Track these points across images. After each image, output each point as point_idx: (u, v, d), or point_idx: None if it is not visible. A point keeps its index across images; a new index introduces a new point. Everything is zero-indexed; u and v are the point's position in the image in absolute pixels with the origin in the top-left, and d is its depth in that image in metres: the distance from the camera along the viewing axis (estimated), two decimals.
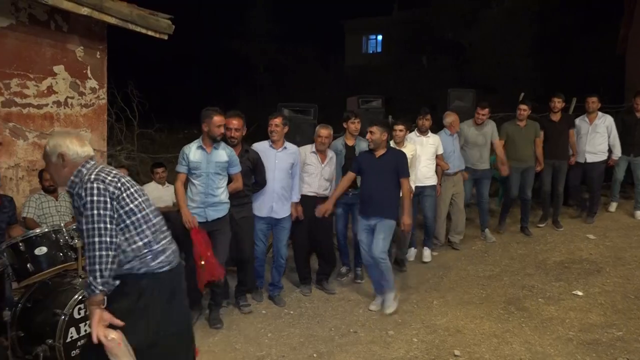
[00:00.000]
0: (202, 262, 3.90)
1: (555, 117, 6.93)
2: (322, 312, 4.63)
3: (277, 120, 4.71)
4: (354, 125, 5.24)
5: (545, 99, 7.23)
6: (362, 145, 5.19)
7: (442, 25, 18.42)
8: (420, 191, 5.72)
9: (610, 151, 7.03)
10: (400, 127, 5.40)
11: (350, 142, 5.30)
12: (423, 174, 5.72)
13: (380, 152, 4.65)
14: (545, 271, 5.61)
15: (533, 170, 6.80)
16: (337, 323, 4.36)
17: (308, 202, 4.92)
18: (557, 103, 6.89)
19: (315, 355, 3.76)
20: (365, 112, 7.56)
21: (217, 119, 4.11)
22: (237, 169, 4.30)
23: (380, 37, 28.34)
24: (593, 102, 6.96)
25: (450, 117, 6.27)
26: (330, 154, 5.09)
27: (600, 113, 7.03)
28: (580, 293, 4.92)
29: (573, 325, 4.25)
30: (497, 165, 6.74)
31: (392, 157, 4.67)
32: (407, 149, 5.44)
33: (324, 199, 4.97)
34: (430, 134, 5.89)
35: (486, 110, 6.52)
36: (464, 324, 4.31)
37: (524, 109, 6.70)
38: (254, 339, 4.02)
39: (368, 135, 4.70)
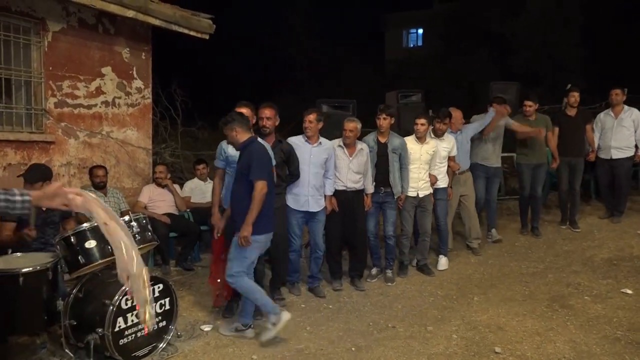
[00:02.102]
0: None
1: (572, 112, 6.64)
2: (360, 306, 4.64)
3: (311, 117, 4.76)
4: (379, 121, 5.12)
5: (595, 91, 6.96)
6: (395, 142, 5.14)
7: (484, 16, 17.96)
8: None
9: (637, 147, 6.66)
10: (422, 121, 5.28)
11: (382, 139, 5.18)
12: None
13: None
14: (592, 268, 5.44)
15: (545, 167, 6.53)
16: (375, 318, 4.37)
17: (339, 196, 4.94)
18: (575, 97, 6.58)
19: (353, 349, 3.78)
20: (405, 106, 7.53)
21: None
22: (273, 162, 4.36)
23: (421, 31, 27.94)
24: (617, 94, 6.62)
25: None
26: (360, 146, 5.00)
27: (626, 106, 6.68)
28: (629, 291, 4.74)
29: (621, 324, 4.11)
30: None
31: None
32: (429, 145, 5.34)
33: (355, 192, 4.97)
34: (445, 136, 5.54)
35: (530, 103, 6.37)
36: (506, 321, 4.24)
37: (529, 105, 6.42)
38: (293, 332, 4.07)
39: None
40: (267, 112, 4.44)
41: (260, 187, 3.74)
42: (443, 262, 5.67)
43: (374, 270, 5.39)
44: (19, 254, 3.67)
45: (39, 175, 4.19)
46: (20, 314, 3.33)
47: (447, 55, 19.99)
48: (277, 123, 4.57)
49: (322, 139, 4.88)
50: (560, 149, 6.56)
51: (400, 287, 5.15)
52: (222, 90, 14.05)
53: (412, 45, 28.41)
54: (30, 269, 3.31)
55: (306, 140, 4.80)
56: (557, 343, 3.83)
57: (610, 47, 15.99)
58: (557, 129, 6.58)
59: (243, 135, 3.91)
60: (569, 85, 8.30)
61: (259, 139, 4.02)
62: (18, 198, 2.00)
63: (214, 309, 4.50)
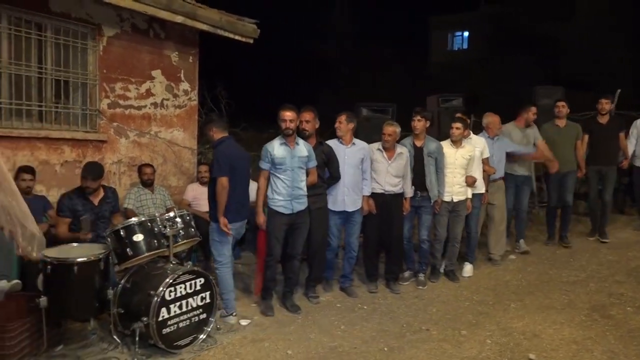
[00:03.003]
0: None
1: (603, 120, 6.44)
2: (395, 308, 4.69)
3: (342, 118, 4.92)
4: (414, 122, 5.15)
5: None
6: (431, 146, 5.15)
7: (532, 19, 17.58)
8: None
9: None
10: (458, 125, 5.25)
11: (418, 143, 5.21)
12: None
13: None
14: (637, 279, 5.30)
15: (574, 175, 6.34)
16: (409, 320, 4.41)
17: (377, 199, 5.00)
18: (605, 104, 6.38)
19: (386, 349, 3.84)
20: (445, 110, 7.50)
21: (283, 113, 4.39)
22: (314, 163, 4.54)
23: (466, 34, 27.58)
24: None
25: (487, 118, 5.83)
26: (400, 149, 5.04)
27: None
28: None
29: None
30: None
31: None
32: (465, 150, 5.30)
33: (393, 195, 5.02)
34: (465, 142, 5.38)
35: (563, 104, 6.24)
36: (542, 329, 4.20)
37: (562, 106, 6.25)
38: (327, 330, 4.18)
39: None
40: (306, 116, 4.59)
41: (220, 183, 4.07)
42: (468, 269, 5.63)
43: (406, 273, 5.43)
44: (74, 244, 3.93)
45: (95, 172, 4.48)
46: (74, 300, 3.56)
47: (493, 59, 19.67)
48: (316, 126, 4.72)
49: (355, 140, 4.98)
50: (591, 157, 6.40)
51: (435, 291, 5.16)
52: (266, 93, 14.34)
53: (457, 48, 28.08)
54: (84, 259, 3.55)
55: (340, 142, 4.91)
56: (595, 353, 3.77)
57: None
58: (586, 137, 6.41)
59: (218, 135, 4.31)
60: (619, 91, 8.08)
61: (231, 139, 4.37)
62: None
63: (252, 305, 4.65)
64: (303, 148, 4.45)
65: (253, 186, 6.37)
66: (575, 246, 6.44)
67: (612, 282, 5.26)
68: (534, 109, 6.11)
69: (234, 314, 4.30)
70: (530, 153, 6.00)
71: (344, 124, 4.90)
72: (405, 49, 21.75)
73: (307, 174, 4.53)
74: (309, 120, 4.62)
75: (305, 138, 4.60)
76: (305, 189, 4.48)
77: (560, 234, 6.56)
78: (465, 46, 27.64)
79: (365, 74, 20.67)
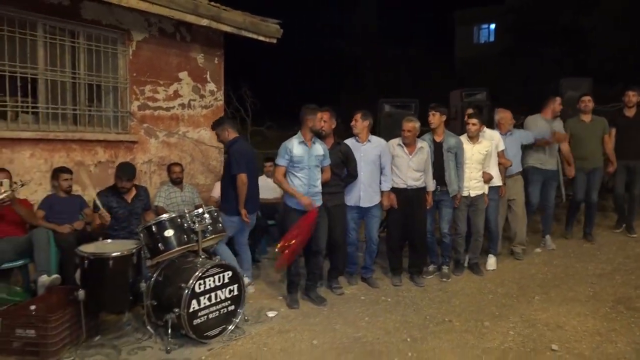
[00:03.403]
0: (293, 242, 4.31)
1: (630, 113, 6.31)
2: (418, 300, 4.77)
3: (357, 116, 5.04)
4: (429, 117, 5.21)
5: None
6: (451, 142, 5.19)
7: (559, 9, 17.25)
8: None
9: None
10: (474, 120, 5.27)
11: (437, 138, 5.26)
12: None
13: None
14: None
15: (600, 171, 6.23)
16: (432, 312, 4.48)
17: (399, 194, 5.08)
18: (632, 97, 6.25)
19: (408, 339, 3.92)
20: (469, 105, 7.49)
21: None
22: (328, 161, 4.68)
23: (492, 26, 27.19)
24: None
25: (499, 114, 5.80)
26: (420, 144, 5.09)
27: None
28: None
29: None
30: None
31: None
32: (482, 145, 5.31)
33: (415, 190, 5.08)
34: (482, 137, 5.37)
35: (589, 98, 6.18)
36: (566, 321, 4.21)
37: (587, 100, 6.15)
38: (352, 321, 4.28)
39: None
40: (323, 116, 4.72)
41: (241, 179, 4.57)
42: (492, 262, 5.64)
43: (430, 267, 5.50)
44: (108, 240, 4.14)
45: (129, 173, 4.70)
46: (110, 293, 3.76)
47: (519, 51, 19.36)
48: (333, 125, 4.86)
49: (371, 137, 5.07)
50: (618, 151, 6.30)
51: (459, 284, 5.21)
52: (290, 92, 14.51)
53: (483, 41, 27.71)
54: (119, 253, 3.74)
55: (356, 140, 5.02)
56: (619, 344, 3.77)
57: None
58: (613, 131, 6.32)
59: (231, 135, 4.81)
60: None
61: (242, 139, 4.93)
62: None
63: (279, 298, 4.79)
64: (319, 147, 4.59)
65: (268, 183, 6.56)
66: (602, 239, 6.38)
67: (639, 275, 5.22)
68: (559, 99, 6.08)
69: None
70: (549, 137, 5.91)
71: (359, 121, 5.00)
72: (430, 44, 21.62)
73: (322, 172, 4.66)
74: (326, 120, 4.74)
75: (323, 137, 4.71)
76: (320, 186, 4.60)
77: (584, 231, 6.51)
78: (491, 39, 27.25)
79: (389, 71, 20.63)
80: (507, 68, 18.68)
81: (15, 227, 4.52)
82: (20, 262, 4.42)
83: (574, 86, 7.44)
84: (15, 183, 4.39)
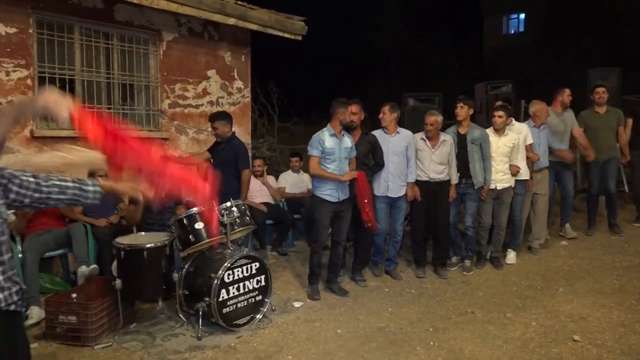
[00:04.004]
0: (366, 201, 4.67)
1: None
2: (442, 292, 4.84)
3: (385, 108, 5.14)
4: (456, 109, 5.26)
5: None
6: (475, 133, 5.22)
7: None
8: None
9: None
10: (500, 113, 5.27)
11: (462, 130, 5.29)
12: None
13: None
14: None
15: (616, 161, 6.14)
16: (455, 303, 4.55)
17: (422, 186, 5.16)
18: None
19: (431, 329, 4.01)
20: (495, 97, 7.46)
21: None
22: (354, 153, 4.80)
23: (522, 16, 26.64)
24: None
25: (534, 106, 5.75)
26: (443, 137, 5.16)
27: None
28: None
29: None
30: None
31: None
32: (508, 138, 5.30)
33: (438, 183, 5.15)
34: (508, 130, 5.37)
35: (603, 89, 6.09)
36: (590, 312, 4.23)
37: (602, 92, 6.04)
38: (375, 312, 4.39)
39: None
40: (353, 108, 4.81)
41: (247, 175, 5.12)
42: (512, 256, 5.65)
43: (454, 259, 5.55)
44: (142, 233, 4.37)
45: None
46: (145, 282, 3.98)
47: (550, 41, 18.97)
48: (362, 117, 4.96)
49: (399, 129, 5.17)
50: (637, 141, 6.20)
51: (483, 276, 5.26)
52: (316, 87, 14.62)
53: (512, 32, 27.19)
54: (152, 244, 3.95)
55: (385, 132, 5.12)
56: None
57: None
58: (630, 121, 6.22)
59: (229, 130, 5.12)
60: None
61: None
62: (90, 188, 1.99)
63: (305, 289, 4.93)
64: (348, 140, 4.71)
65: (294, 178, 6.71)
66: (630, 232, 6.31)
67: None
68: (567, 91, 6.04)
69: None
70: (566, 152, 5.93)
71: (387, 114, 5.10)
72: (458, 35, 21.35)
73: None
74: (356, 112, 4.86)
75: (353, 129, 4.83)
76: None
77: (609, 222, 6.45)
78: (521, 29, 26.72)
79: (417, 63, 20.50)
80: (537, 58, 18.33)
81: (56, 220, 4.80)
82: (60, 251, 4.72)
83: (602, 76, 7.35)
84: None
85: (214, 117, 5.19)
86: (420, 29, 20.73)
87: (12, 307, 1.80)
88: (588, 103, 6.24)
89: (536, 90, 11.45)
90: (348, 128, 4.77)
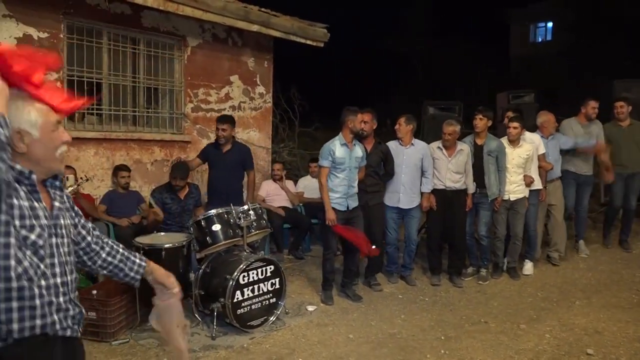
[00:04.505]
0: (357, 239, 4.59)
1: None
2: (455, 301, 4.84)
3: (401, 120, 5.16)
4: (475, 121, 5.25)
5: None
6: (492, 145, 5.21)
7: (621, 2, 16.50)
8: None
9: None
10: (515, 124, 5.24)
11: (478, 141, 5.30)
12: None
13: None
14: None
15: (639, 177, 5.99)
16: (469, 312, 4.54)
17: (438, 195, 5.17)
18: None
19: (442, 338, 4.02)
20: (516, 107, 7.41)
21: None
22: (364, 162, 4.83)
23: (550, 24, 26.28)
24: None
25: (541, 117, 5.70)
26: (460, 147, 5.16)
27: None
28: None
29: None
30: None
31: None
32: (522, 149, 5.27)
33: (454, 192, 5.15)
34: (522, 141, 5.34)
35: (622, 104, 5.99)
36: (605, 326, 4.18)
37: (620, 106, 5.92)
38: (388, 318, 4.42)
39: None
40: (365, 117, 4.86)
41: (254, 176, 5.40)
42: (528, 267, 5.61)
43: (469, 269, 5.54)
44: (162, 233, 4.49)
45: (183, 172, 5.02)
46: None
47: (579, 50, 18.66)
48: (374, 127, 5.01)
49: (415, 140, 5.18)
50: None
51: (498, 286, 5.23)
52: (339, 92, 14.68)
53: (540, 40, 26.84)
54: (171, 245, 4.07)
55: (400, 143, 5.14)
56: None
57: None
58: None
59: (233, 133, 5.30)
60: None
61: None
62: (137, 260, 1.90)
63: (318, 293, 4.98)
64: (359, 149, 4.74)
65: (313, 183, 6.75)
66: (578, 255, 6.18)
67: None
68: (592, 103, 5.94)
69: None
70: (591, 146, 5.81)
71: (403, 125, 5.12)
72: (483, 43, 21.17)
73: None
74: (367, 121, 4.90)
75: (364, 138, 4.86)
76: (357, 187, 4.75)
77: (620, 237, 6.35)
78: (549, 38, 26.36)
79: (441, 71, 20.40)
80: (565, 67, 18.07)
81: None
82: None
83: (627, 88, 7.24)
84: (81, 178, 4.81)
85: (225, 119, 5.27)
86: (446, 36, 20.62)
87: (68, 333, 1.60)
88: (613, 115, 6.15)
89: (561, 100, 11.32)
90: (360, 137, 4.82)
